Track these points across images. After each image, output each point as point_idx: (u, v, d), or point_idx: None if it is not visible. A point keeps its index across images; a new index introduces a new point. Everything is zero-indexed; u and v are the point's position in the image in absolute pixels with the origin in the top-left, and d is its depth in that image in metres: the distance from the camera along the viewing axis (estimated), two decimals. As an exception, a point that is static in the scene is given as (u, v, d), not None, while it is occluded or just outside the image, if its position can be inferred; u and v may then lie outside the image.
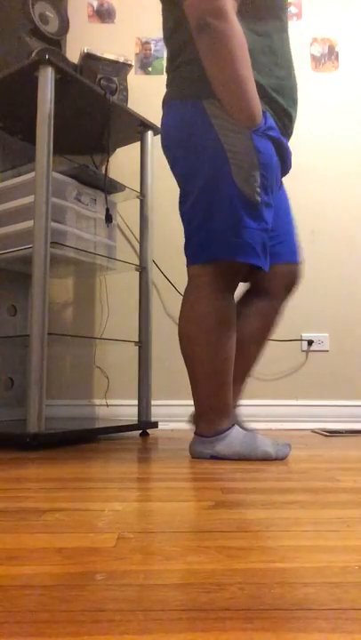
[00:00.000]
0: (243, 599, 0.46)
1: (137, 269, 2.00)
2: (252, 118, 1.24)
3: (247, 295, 1.52)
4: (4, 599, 0.46)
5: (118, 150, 2.28)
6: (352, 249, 2.33)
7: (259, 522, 0.72)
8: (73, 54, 1.98)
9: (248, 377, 1.52)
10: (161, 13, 1.39)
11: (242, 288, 1.55)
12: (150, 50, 2.39)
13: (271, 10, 1.33)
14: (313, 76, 2.41)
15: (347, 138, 2.38)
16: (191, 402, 1.38)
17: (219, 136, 1.26)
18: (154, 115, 2.21)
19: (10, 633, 0.40)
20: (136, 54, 2.38)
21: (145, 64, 2.38)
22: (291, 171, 1.48)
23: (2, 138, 2.06)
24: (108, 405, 2.20)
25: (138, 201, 2.06)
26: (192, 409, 1.39)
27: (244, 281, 1.48)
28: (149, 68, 2.38)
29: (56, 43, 1.83)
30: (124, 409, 2.18)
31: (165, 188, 2.26)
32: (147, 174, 2.03)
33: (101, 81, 1.84)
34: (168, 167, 1.41)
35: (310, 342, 2.26)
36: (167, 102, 1.37)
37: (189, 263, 1.35)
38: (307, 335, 2.27)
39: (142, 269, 1.99)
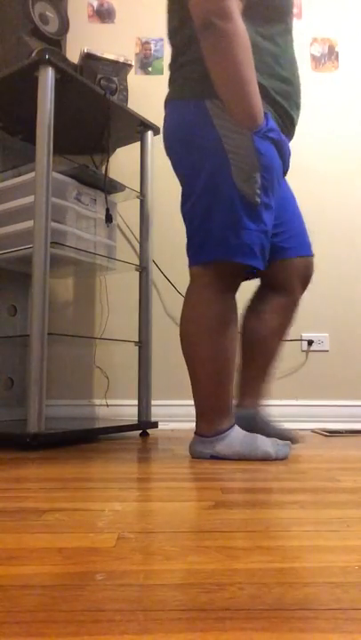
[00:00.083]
0: (243, 599, 0.46)
1: (137, 269, 2.00)
2: (253, 119, 1.24)
3: (262, 291, 1.54)
4: (4, 599, 0.46)
5: (118, 150, 2.28)
6: (352, 249, 2.33)
7: (259, 522, 0.72)
8: (73, 54, 1.98)
9: (271, 374, 1.52)
10: (166, 12, 1.39)
11: (254, 283, 1.55)
12: (150, 50, 2.39)
13: (277, 12, 1.33)
14: (313, 75, 2.41)
15: (347, 138, 2.38)
16: (191, 402, 1.38)
17: (220, 137, 1.26)
18: (154, 115, 2.21)
19: (10, 633, 0.40)
20: (136, 54, 2.38)
21: (145, 64, 2.38)
22: (291, 170, 1.49)
23: (2, 138, 2.06)
24: (108, 405, 2.20)
25: (138, 201, 2.06)
26: (191, 409, 1.39)
27: (257, 277, 1.49)
28: (149, 68, 2.38)
29: (56, 43, 1.83)
30: (124, 409, 2.18)
31: (165, 188, 2.26)
32: (147, 174, 2.03)
33: (101, 81, 1.84)
34: (168, 167, 1.41)
35: (310, 342, 2.26)
36: (169, 102, 1.36)
37: (191, 264, 1.35)
38: (307, 335, 2.27)
39: (142, 269, 1.99)
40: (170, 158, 1.39)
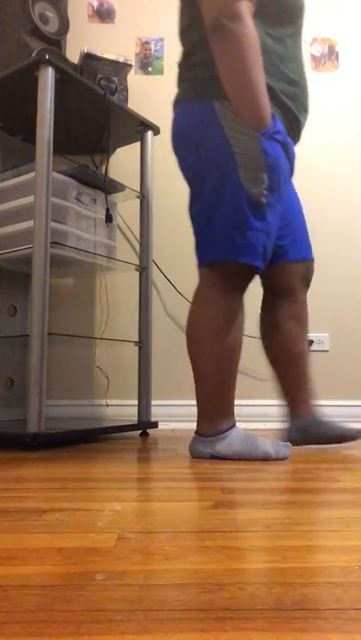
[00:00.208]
0: (243, 599, 0.46)
1: (137, 269, 2.00)
2: (261, 120, 1.24)
3: (269, 301, 1.53)
4: (4, 599, 0.46)
5: (118, 150, 2.28)
6: (352, 249, 2.33)
7: (259, 522, 0.72)
8: (73, 54, 1.98)
9: (310, 375, 1.52)
10: (178, 13, 1.39)
11: (258, 287, 1.55)
12: (150, 50, 2.39)
13: (288, 15, 1.34)
14: (313, 75, 2.41)
15: (347, 138, 2.38)
16: (191, 402, 1.38)
17: (228, 138, 1.26)
18: (154, 115, 2.21)
19: (10, 633, 0.40)
20: (136, 54, 2.38)
21: (145, 64, 2.38)
22: (291, 170, 1.49)
23: (2, 138, 2.06)
24: (108, 405, 2.20)
25: (138, 201, 2.06)
26: (191, 409, 1.39)
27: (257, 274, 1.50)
28: (149, 68, 2.38)
29: (56, 43, 1.83)
30: (124, 409, 2.18)
31: (165, 188, 2.26)
32: (147, 174, 2.03)
33: (101, 81, 1.84)
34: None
35: (310, 342, 2.26)
36: (178, 103, 1.37)
37: (199, 264, 1.36)
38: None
39: (142, 269, 1.99)
40: (177, 159, 1.39)
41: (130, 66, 1.93)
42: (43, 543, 0.62)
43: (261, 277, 1.52)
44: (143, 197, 2.02)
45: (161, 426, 2.08)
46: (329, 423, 1.48)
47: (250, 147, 1.25)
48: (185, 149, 1.35)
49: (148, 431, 1.98)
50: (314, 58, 2.43)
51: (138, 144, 2.09)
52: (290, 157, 1.36)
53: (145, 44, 2.39)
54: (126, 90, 1.97)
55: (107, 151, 2.17)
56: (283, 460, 1.31)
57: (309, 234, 1.56)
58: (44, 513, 0.77)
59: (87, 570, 0.53)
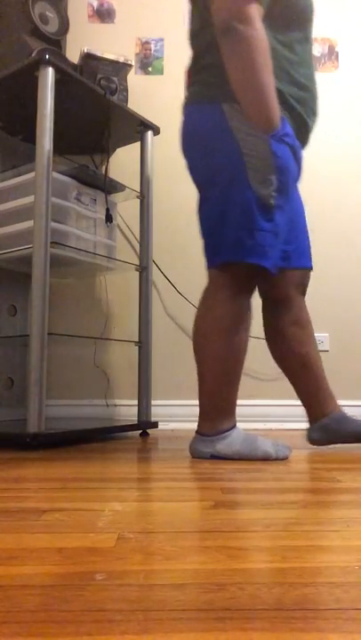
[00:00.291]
0: (243, 599, 0.46)
1: (137, 269, 2.00)
2: (270, 123, 1.24)
3: (269, 310, 1.52)
4: (4, 599, 0.46)
5: (118, 150, 2.28)
6: (352, 249, 2.33)
7: (259, 522, 0.72)
8: (73, 54, 1.98)
9: (324, 376, 1.51)
10: (188, 15, 1.40)
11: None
12: (150, 50, 2.39)
13: (297, 20, 1.34)
14: (313, 75, 2.41)
15: (347, 138, 2.38)
16: (191, 402, 1.38)
17: (237, 139, 1.26)
18: (154, 115, 2.22)
19: (10, 633, 0.40)
20: (136, 54, 2.38)
21: (145, 64, 2.38)
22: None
23: (2, 138, 2.06)
24: (108, 405, 2.20)
25: (138, 201, 2.06)
26: (191, 409, 1.39)
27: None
28: (149, 68, 2.38)
29: (56, 43, 1.83)
30: (124, 409, 2.18)
31: (165, 188, 2.26)
32: (147, 174, 2.03)
33: (101, 81, 1.84)
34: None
35: (310, 342, 2.26)
36: (187, 105, 1.36)
37: (208, 266, 1.36)
38: (307, 335, 2.26)
39: (142, 269, 1.99)
40: (186, 161, 1.39)
41: (130, 66, 1.93)
42: (43, 543, 0.62)
43: (258, 284, 1.50)
44: (143, 197, 2.02)
45: (161, 426, 2.08)
46: (356, 421, 1.47)
47: (259, 149, 1.26)
48: (194, 152, 1.35)
49: (149, 431, 1.98)
50: (314, 58, 2.42)
51: (138, 144, 2.09)
52: (298, 161, 1.37)
53: (145, 44, 2.39)
54: (126, 90, 1.97)
55: (107, 151, 2.17)
56: (283, 460, 1.31)
57: (309, 233, 1.56)
58: (43, 513, 0.77)
59: (87, 570, 0.53)
